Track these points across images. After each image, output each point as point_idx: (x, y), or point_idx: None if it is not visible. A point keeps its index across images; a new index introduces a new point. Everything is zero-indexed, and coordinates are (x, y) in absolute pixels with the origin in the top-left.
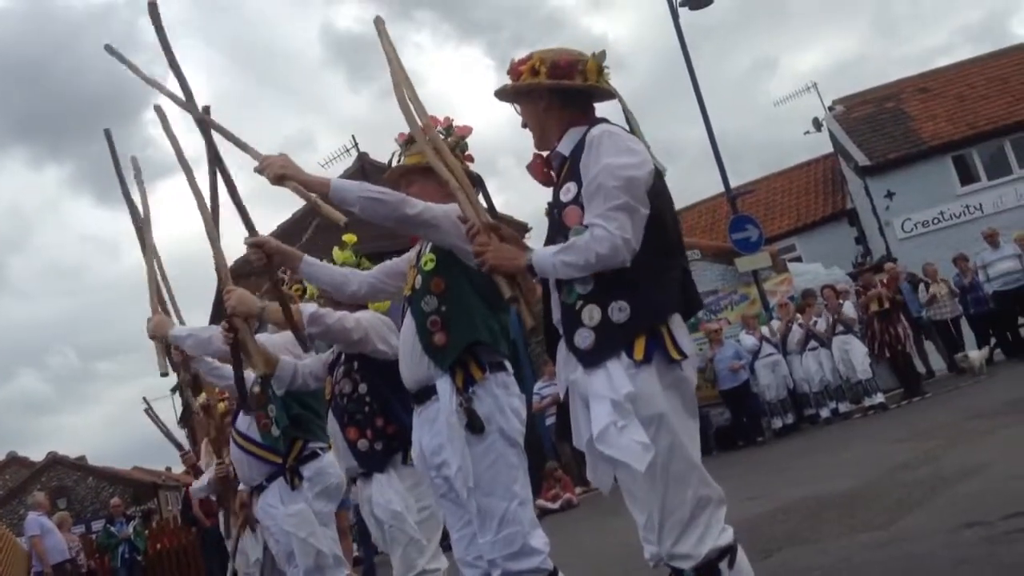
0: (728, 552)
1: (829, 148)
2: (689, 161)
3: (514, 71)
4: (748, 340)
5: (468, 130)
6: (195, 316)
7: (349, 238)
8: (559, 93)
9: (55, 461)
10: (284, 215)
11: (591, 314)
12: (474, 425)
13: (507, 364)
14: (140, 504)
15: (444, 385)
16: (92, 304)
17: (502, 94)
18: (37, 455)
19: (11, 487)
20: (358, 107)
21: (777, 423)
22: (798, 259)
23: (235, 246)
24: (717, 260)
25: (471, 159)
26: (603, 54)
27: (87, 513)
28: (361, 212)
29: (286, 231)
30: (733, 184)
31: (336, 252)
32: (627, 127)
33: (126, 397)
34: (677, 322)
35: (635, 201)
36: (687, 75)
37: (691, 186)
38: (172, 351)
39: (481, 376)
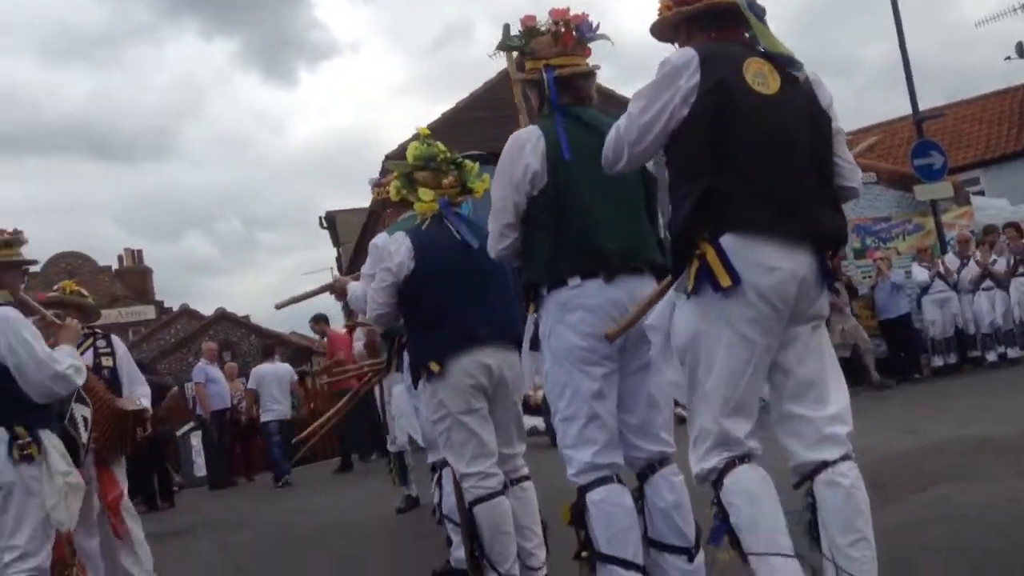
0: (722, 474)
1: None
2: (864, 80)
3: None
4: (919, 273)
5: (581, 18)
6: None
7: (423, 130)
8: (688, 21)
9: (223, 317)
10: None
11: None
12: (532, 342)
13: (574, 278)
14: (295, 366)
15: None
16: (257, 176)
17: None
18: (206, 311)
19: (182, 337)
20: (521, 2)
21: (938, 361)
22: (981, 193)
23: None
24: (893, 186)
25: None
26: None
27: (248, 368)
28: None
29: (450, 119)
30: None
31: (412, 146)
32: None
33: (285, 267)
34: (732, 245)
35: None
36: None
37: (865, 107)
38: None
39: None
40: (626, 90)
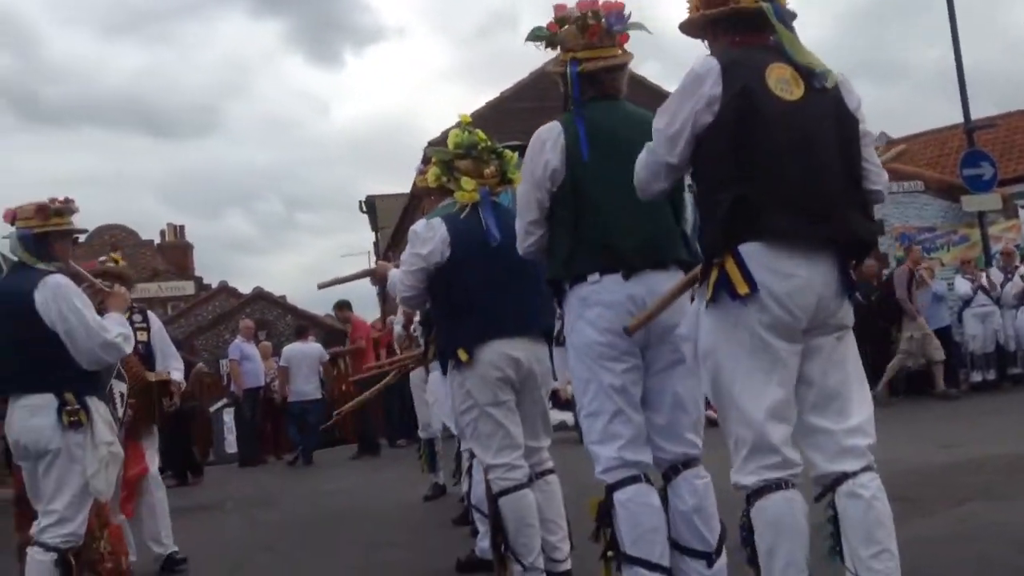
0: (753, 496)
1: None
2: (915, 85)
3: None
4: (962, 285)
5: (612, 7)
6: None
7: (464, 117)
8: (713, 23)
9: (260, 296)
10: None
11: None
12: (559, 338)
13: (593, 275)
14: (328, 348)
15: None
16: (299, 157)
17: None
18: (244, 289)
19: (219, 313)
20: None
21: (977, 377)
22: None
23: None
24: (940, 195)
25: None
26: None
27: (283, 347)
28: None
29: (495, 107)
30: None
31: (453, 133)
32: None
33: (323, 248)
34: (754, 252)
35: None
36: None
37: (915, 113)
38: None
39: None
40: (672, 86)
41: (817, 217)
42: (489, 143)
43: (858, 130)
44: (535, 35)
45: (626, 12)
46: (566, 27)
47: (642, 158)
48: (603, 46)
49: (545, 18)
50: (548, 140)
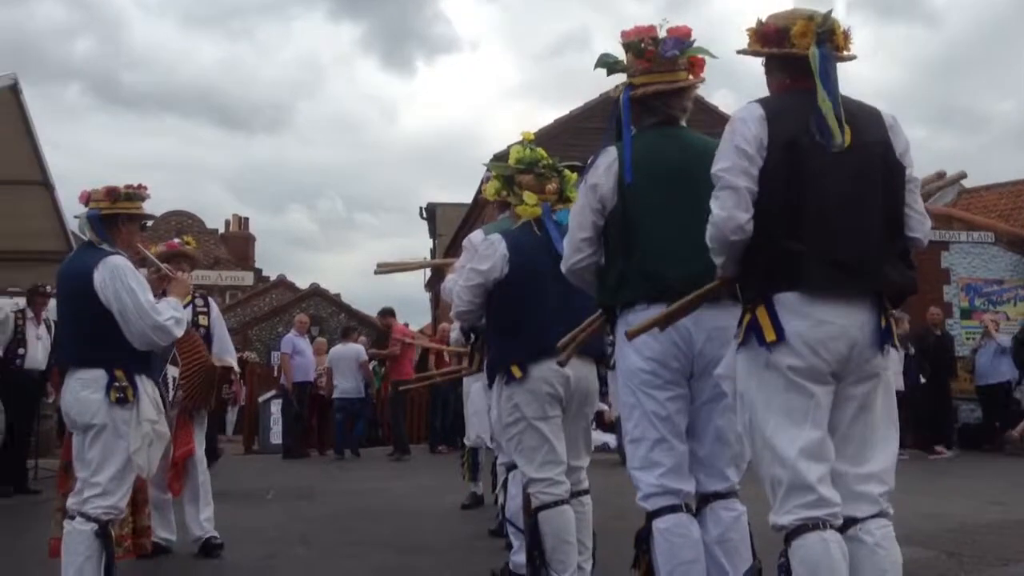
0: (790, 536)
1: None
2: (991, 137)
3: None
4: None
5: (673, 32)
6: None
7: (527, 135)
8: (766, 59)
9: (315, 292)
10: (555, 111)
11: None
12: (605, 362)
13: (641, 303)
14: (379, 348)
15: None
16: (363, 160)
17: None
18: (301, 284)
19: (275, 306)
20: (643, 13)
21: None
22: None
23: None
24: (1011, 248)
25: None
26: (824, 17)
27: (335, 344)
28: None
29: (563, 125)
30: None
31: (515, 149)
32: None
33: (378, 250)
34: (789, 301)
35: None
36: (1012, 37)
37: (990, 163)
38: None
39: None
40: None
41: (857, 271)
42: (550, 161)
43: (904, 176)
44: (602, 62)
45: (691, 38)
46: (630, 53)
47: (716, 219)
48: (660, 71)
49: (616, 40)
50: (603, 164)
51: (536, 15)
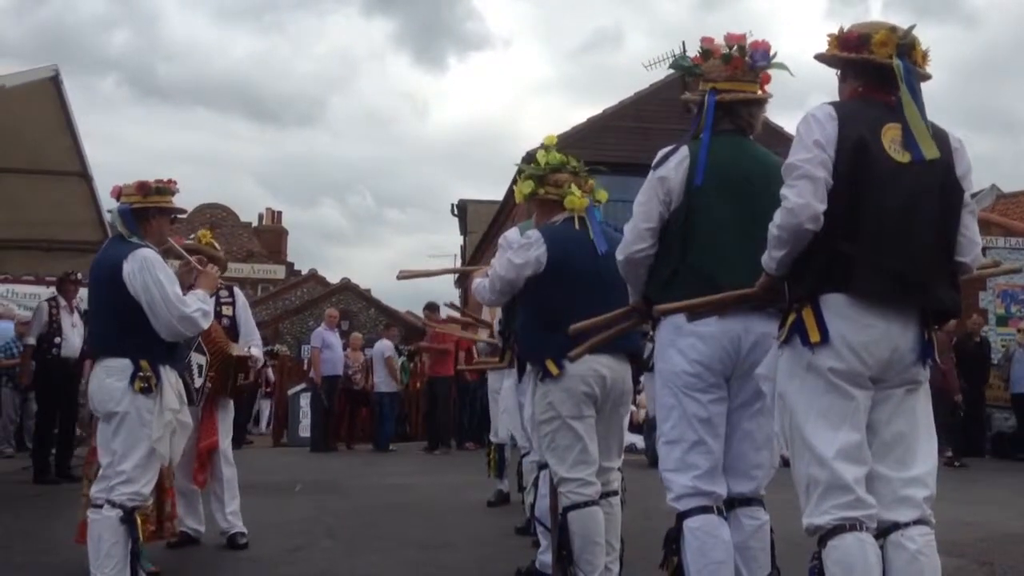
0: (826, 537)
1: None
2: None
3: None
4: None
5: (758, 45)
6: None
7: (549, 139)
8: (843, 65)
9: (346, 287)
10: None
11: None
12: (643, 363)
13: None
14: (408, 344)
15: None
16: (394, 155)
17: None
18: (332, 278)
19: (306, 300)
20: (676, 12)
21: None
22: None
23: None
24: None
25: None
26: (905, 31)
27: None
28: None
29: (596, 123)
30: None
31: (540, 154)
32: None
33: (406, 246)
34: (836, 303)
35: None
36: None
37: None
38: None
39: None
40: None
41: (907, 285)
42: (573, 163)
43: (962, 199)
44: (678, 64)
45: (772, 52)
46: (711, 60)
47: (778, 223)
48: (744, 80)
49: (649, 38)
50: (674, 159)
51: (569, 11)
